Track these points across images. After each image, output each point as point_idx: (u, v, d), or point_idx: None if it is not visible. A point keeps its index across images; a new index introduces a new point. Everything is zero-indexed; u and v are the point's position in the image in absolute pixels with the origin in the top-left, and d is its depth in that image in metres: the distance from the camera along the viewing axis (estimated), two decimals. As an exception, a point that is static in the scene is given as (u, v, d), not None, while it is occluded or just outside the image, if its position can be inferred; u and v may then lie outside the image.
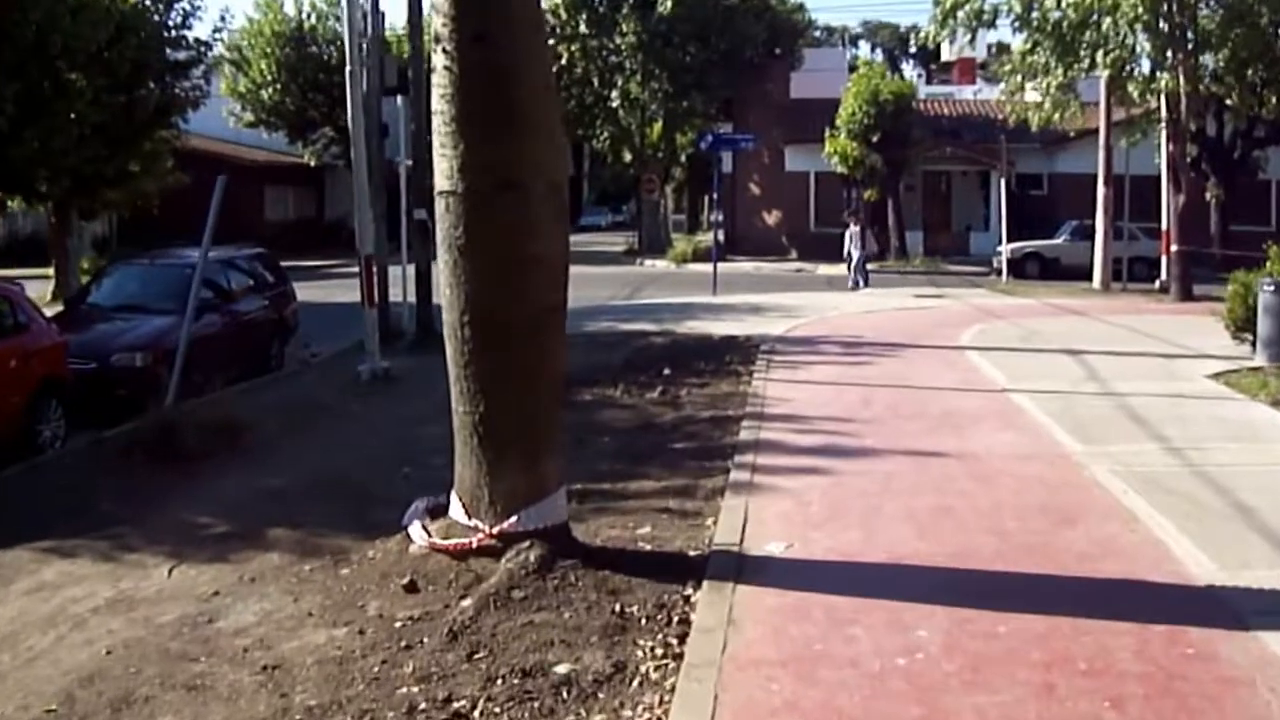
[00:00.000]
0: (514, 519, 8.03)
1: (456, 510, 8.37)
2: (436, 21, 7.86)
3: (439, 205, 7.98)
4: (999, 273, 41.15)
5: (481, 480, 8.16)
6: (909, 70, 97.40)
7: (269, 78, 55.32)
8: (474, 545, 8.15)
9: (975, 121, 55.72)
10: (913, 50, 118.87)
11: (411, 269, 22.96)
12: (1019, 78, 34.86)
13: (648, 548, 8.88)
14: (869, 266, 37.02)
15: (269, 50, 55.47)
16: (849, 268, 36.71)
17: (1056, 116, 34.26)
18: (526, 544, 7.97)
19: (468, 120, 7.69)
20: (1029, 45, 32.69)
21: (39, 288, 29.79)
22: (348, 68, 19.13)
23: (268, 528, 9.92)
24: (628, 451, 12.37)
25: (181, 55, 32.32)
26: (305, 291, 24.33)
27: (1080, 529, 9.15)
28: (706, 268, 35.42)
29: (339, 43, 36.35)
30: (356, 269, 19.25)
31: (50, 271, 33.13)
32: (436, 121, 7.89)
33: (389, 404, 16.40)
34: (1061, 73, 32.27)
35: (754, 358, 19.06)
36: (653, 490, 10.63)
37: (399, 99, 23.09)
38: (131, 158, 31.00)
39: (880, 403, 14.94)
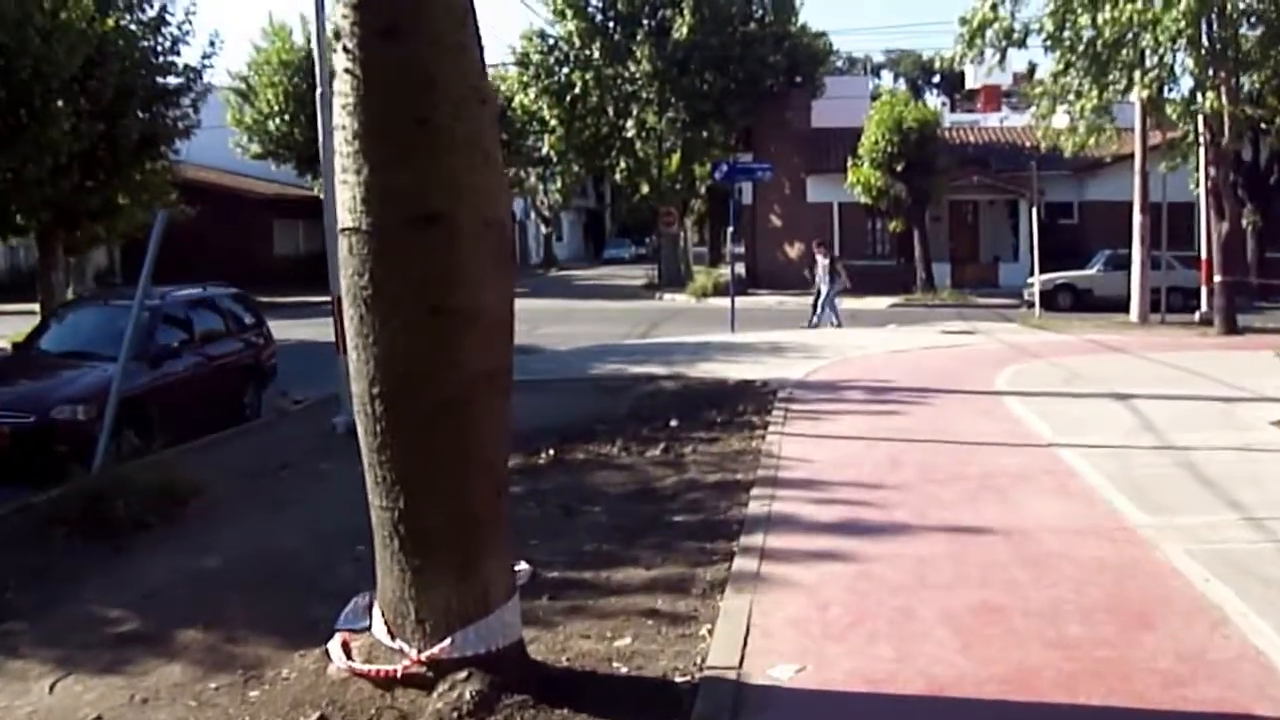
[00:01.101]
0: (447, 642, 6.32)
1: (379, 628, 6.69)
2: (337, 12, 6.17)
3: (341, 246, 6.23)
4: (1031, 305, 39.56)
5: (406, 593, 6.45)
6: (932, 99, 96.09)
7: (276, 108, 54.20)
8: (399, 674, 6.47)
9: (1002, 149, 54.48)
10: (936, 79, 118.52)
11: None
12: (1051, 100, 33.16)
13: (624, 670, 7.09)
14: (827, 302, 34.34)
15: (276, 80, 54.34)
16: (815, 303, 34.46)
17: (1091, 141, 32.60)
18: (464, 674, 6.26)
19: (375, 137, 5.96)
20: (1061, 66, 30.99)
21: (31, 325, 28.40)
22: (318, 89, 17.50)
23: (182, 626, 8.31)
24: (619, 526, 10.64)
25: (171, 82, 30.83)
26: (306, 329, 22.81)
27: (1160, 635, 7.41)
28: (726, 302, 33.76)
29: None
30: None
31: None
32: (338, 139, 6.15)
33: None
34: (1096, 95, 30.59)
35: (770, 406, 17.27)
36: (641, 583, 8.88)
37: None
38: (119, 190, 29.43)
39: (911, 462, 13.11)
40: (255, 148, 55.95)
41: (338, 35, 6.05)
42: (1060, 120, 35.47)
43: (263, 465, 14.45)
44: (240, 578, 9.62)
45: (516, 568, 9.29)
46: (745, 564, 9.12)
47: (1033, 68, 34.33)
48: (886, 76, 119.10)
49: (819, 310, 33.95)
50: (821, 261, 34.33)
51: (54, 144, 25.23)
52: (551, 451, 14.14)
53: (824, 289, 33.96)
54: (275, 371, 20.40)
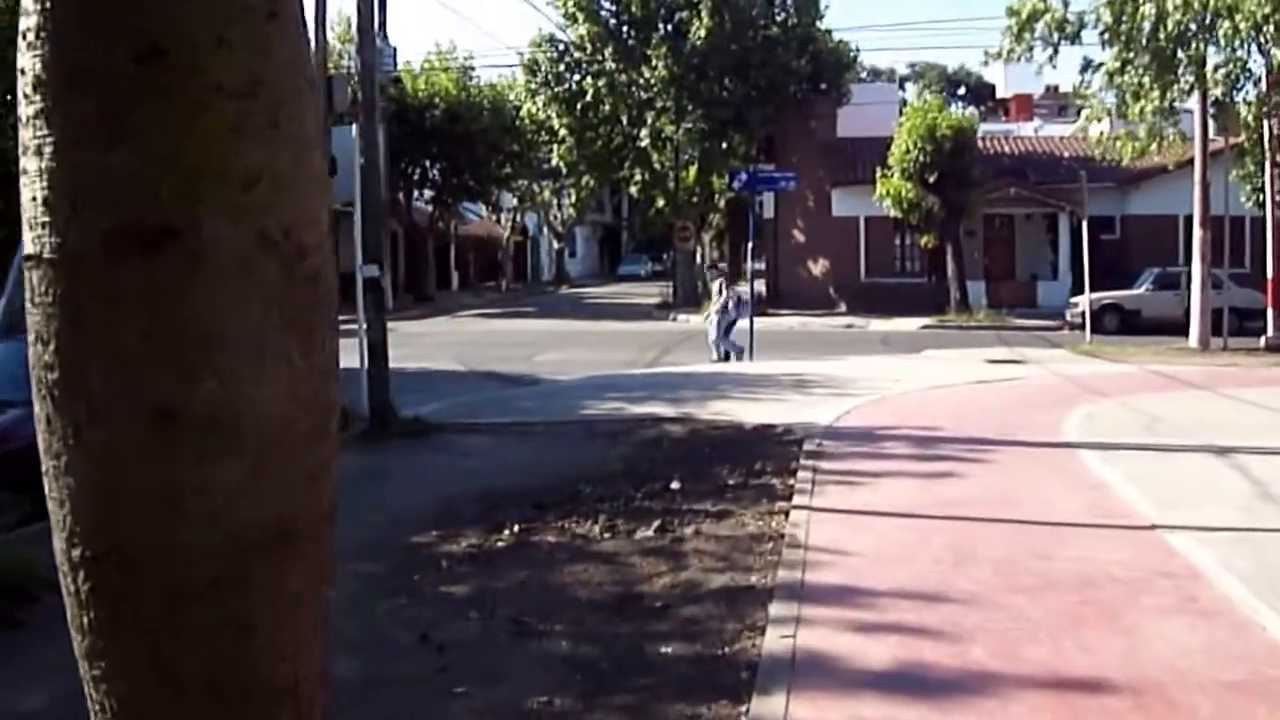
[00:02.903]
0: None
1: None
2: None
3: (27, 283, 3.24)
4: (1074, 328, 36.98)
5: None
6: (959, 112, 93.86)
7: (282, 120, 51.77)
8: None
9: (1039, 159, 51.93)
10: (962, 91, 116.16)
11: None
12: (1107, 102, 30.29)
13: None
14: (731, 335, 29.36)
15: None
16: (715, 335, 29.22)
17: (1154, 147, 29.72)
18: None
19: (69, 88, 2.96)
20: (1118, 64, 28.04)
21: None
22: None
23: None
24: (584, 661, 7.61)
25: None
26: None
27: None
28: (745, 324, 30.68)
29: (354, 80, 32.71)
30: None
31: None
32: (19, 95, 3.13)
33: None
34: (1158, 95, 27.66)
35: (795, 464, 14.06)
36: (598, 785, 5.94)
37: (354, 128, 18.50)
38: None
39: (981, 556, 9.83)
40: (260, 162, 53.61)
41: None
42: (1098, 128, 32.96)
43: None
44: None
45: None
46: (758, 758, 6.08)
47: (1087, 64, 31.12)
48: (911, 90, 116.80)
49: (721, 340, 29.23)
50: (721, 285, 29.86)
51: (2, 154, 22.73)
52: (516, 528, 11.22)
53: (727, 314, 29.28)
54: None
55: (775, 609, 8.39)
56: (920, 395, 21.17)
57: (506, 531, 11.10)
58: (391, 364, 18.69)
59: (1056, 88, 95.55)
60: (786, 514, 11.47)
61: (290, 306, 3.15)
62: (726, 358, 28.66)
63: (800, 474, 13.45)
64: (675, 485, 12.97)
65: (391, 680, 7.40)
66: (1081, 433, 16.34)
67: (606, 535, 10.95)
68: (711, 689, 7.05)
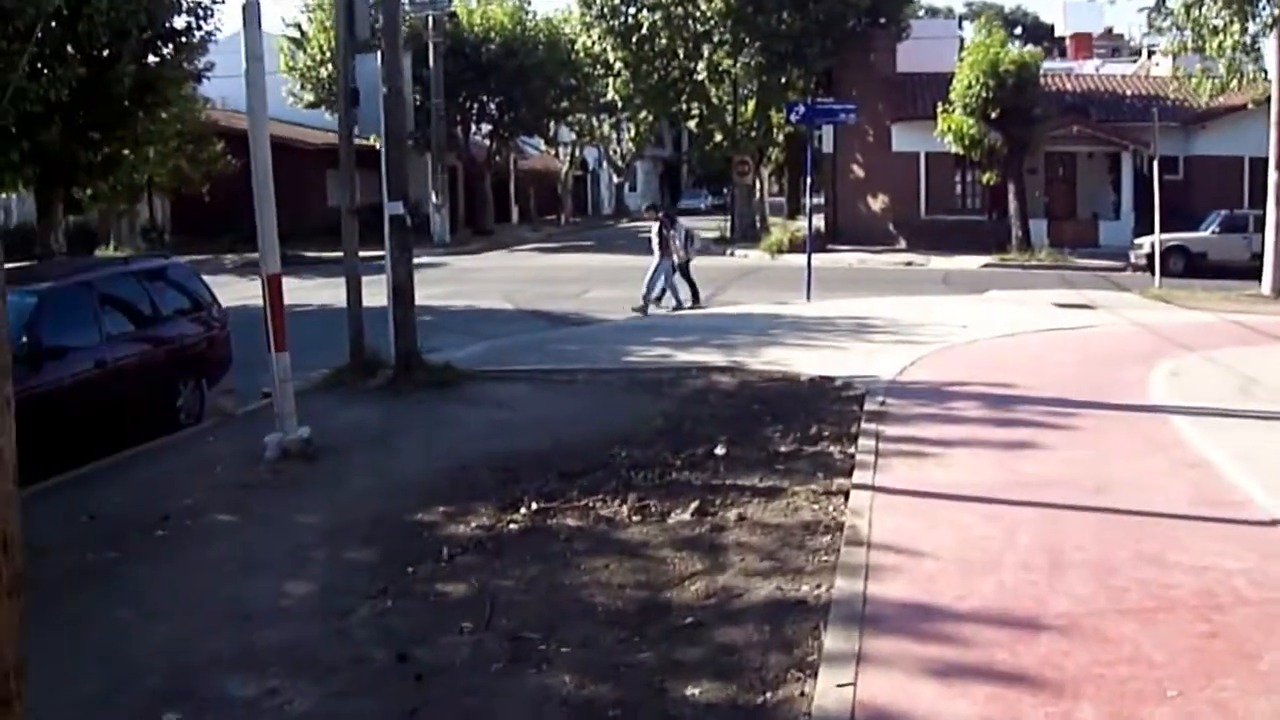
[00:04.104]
0: None
1: None
2: None
3: None
4: (1138, 269, 36.42)
5: None
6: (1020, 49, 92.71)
7: (330, 54, 50.88)
8: None
9: (1101, 98, 50.37)
10: (1019, 31, 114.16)
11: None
12: (1183, 37, 28.57)
13: None
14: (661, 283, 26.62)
15: (330, 25, 51.05)
16: (662, 280, 26.55)
17: (1234, 84, 28.02)
18: None
19: None
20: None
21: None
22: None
23: None
24: (589, 703, 6.15)
25: (179, 23, 26.80)
26: (336, 290, 18.57)
27: None
28: (803, 260, 29.00)
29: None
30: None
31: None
32: None
33: (286, 509, 10.46)
34: (1238, 29, 25.96)
35: (855, 427, 12.54)
36: None
37: (378, 56, 16.97)
38: (120, 142, 25.59)
39: (1078, 560, 8.14)
40: (308, 96, 53.47)
41: None
42: (1166, 64, 31.38)
43: (141, 513, 10.27)
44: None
45: None
46: None
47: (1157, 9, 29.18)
48: (969, 28, 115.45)
49: (672, 282, 26.68)
50: (656, 227, 26.91)
51: (25, 92, 21.35)
52: (534, 506, 9.82)
53: (669, 256, 26.50)
54: (230, 362, 16.30)
55: (831, 639, 6.84)
56: (989, 344, 19.52)
57: (522, 510, 9.76)
58: (436, 302, 17.35)
59: (1111, 29, 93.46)
60: (845, 495, 9.96)
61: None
62: (659, 301, 26.45)
63: (861, 441, 11.94)
64: (720, 451, 11.61)
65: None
66: (1170, 394, 14.67)
67: (635, 518, 9.53)
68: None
